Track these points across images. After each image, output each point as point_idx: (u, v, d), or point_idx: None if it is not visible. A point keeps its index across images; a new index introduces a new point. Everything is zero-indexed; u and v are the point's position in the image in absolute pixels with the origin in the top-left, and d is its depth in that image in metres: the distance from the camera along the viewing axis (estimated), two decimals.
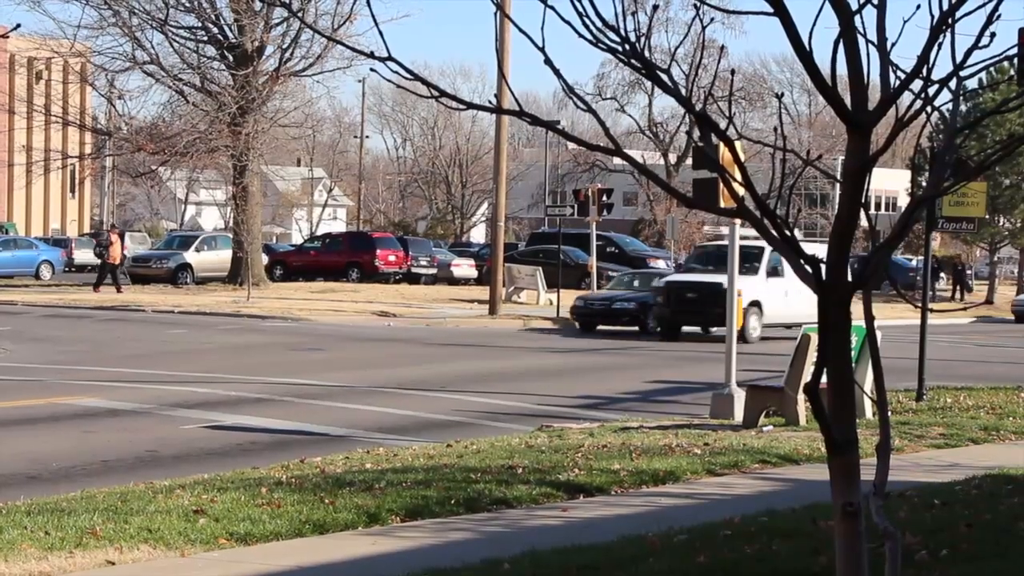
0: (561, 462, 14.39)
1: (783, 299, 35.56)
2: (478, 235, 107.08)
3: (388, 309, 43.82)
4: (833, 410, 5.73)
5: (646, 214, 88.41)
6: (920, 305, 24.71)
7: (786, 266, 29.66)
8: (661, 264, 56.92)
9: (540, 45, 5.64)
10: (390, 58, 5.73)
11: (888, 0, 5.47)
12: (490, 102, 6.53)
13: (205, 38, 52.32)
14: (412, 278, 60.10)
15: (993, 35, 5.46)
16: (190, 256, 57.80)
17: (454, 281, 61.33)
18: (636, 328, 38.35)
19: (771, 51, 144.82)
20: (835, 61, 5.43)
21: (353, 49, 7.11)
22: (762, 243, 31.08)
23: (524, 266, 50.97)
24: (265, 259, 57.42)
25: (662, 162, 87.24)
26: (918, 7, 5.48)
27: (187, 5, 51.31)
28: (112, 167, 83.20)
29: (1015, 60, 18.85)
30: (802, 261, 5.63)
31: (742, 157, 5.91)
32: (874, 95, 5.50)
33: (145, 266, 58.27)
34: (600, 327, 38.84)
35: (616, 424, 18.78)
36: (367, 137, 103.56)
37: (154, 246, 68.61)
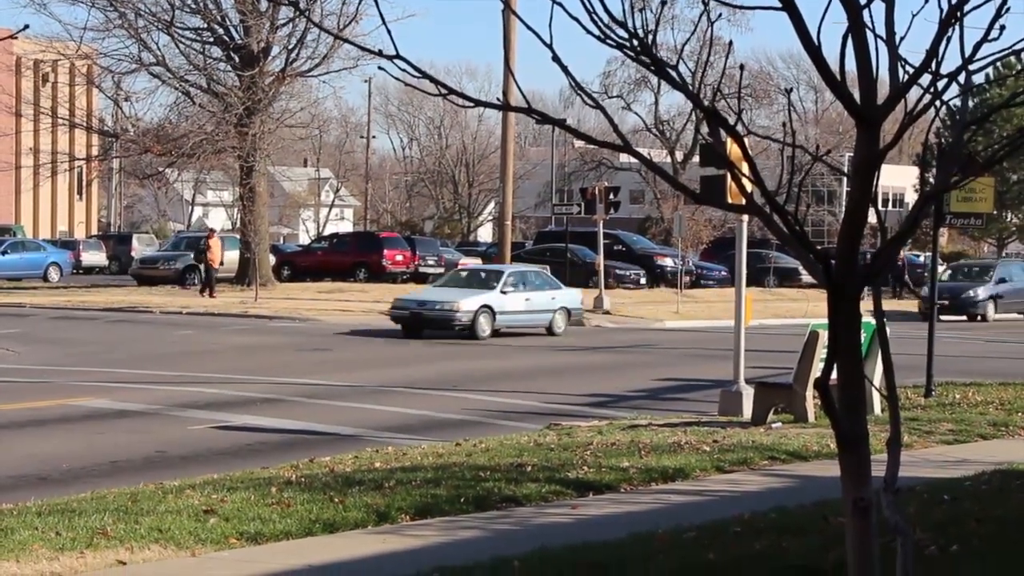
0: (570, 460, 14.40)
1: None
2: (485, 234, 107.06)
3: None
4: (843, 406, 5.73)
5: (653, 212, 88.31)
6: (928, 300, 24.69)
7: None
8: (669, 261, 56.91)
9: (548, 42, 5.64)
10: (398, 56, 5.73)
11: None
12: (497, 100, 6.54)
13: (211, 39, 52.34)
14: (419, 278, 60.04)
15: (1003, 28, 5.46)
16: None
17: None
18: None
19: (777, 48, 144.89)
20: (844, 56, 5.43)
21: (361, 48, 7.09)
22: None
23: (531, 265, 50.94)
24: (272, 260, 57.40)
25: (668, 160, 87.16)
26: (927, 1, 5.48)
27: (193, 6, 51.33)
28: (119, 169, 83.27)
29: (1023, 54, 18.82)
30: (812, 257, 5.63)
31: (750, 153, 5.91)
32: (882, 90, 5.50)
33: (152, 268, 58.27)
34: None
35: (625, 422, 18.78)
36: (373, 137, 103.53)
37: (161, 247, 68.65)
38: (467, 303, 34.31)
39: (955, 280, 49.45)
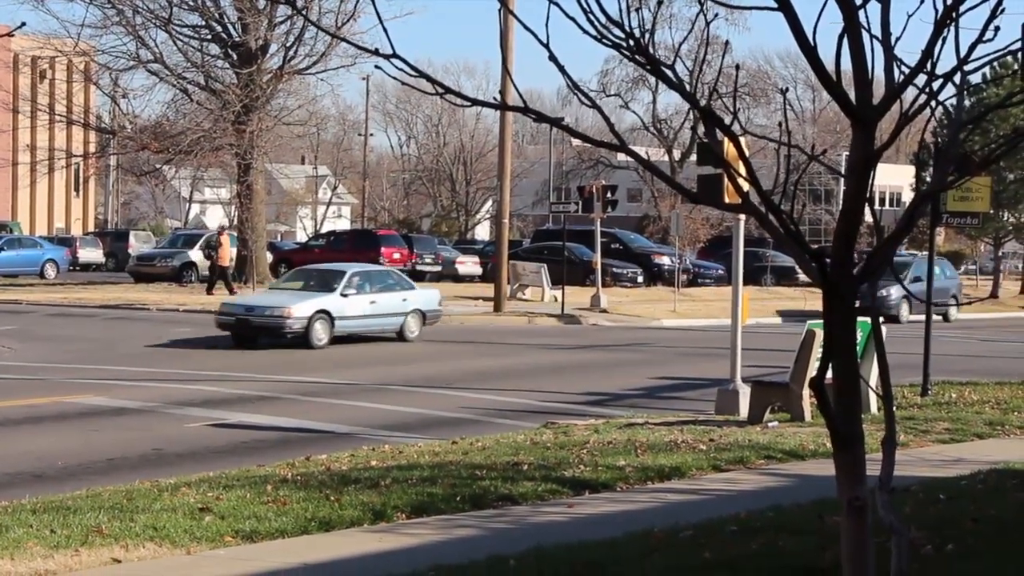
0: (566, 458, 14.40)
1: None
2: (482, 232, 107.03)
3: None
4: (839, 405, 5.73)
5: (650, 210, 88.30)
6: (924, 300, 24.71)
7: None
8: (666, 260, 56.92)
9: (544, 41, 5.64)
10: (395, 55, 5.73)
11: None
12: (494, 99, 6.53)
13: (209, 36, 52.31)
14: (417, 276, 60.03)
15: (997, 29, 5.47)
16: (194, 255, 57.80)
17: (459, 278, 61.27)
18: None
19: (774, 47, 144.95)
20: (839, 56, 5.43)
21: (358, 46, 7.12)
22: None
23: (529, 263, 50.94)
24: (270, 257, 57.38)
25: (666, 159, 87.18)
26: (922, 1, 5.49)
27: (191, 4, 51.31)
28: (116, 166, 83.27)
29: (1019, 54, 18.87)
30: (807, 256, 5.63)
31: (746, 153, 5.91)
32: (878, 90, 5.50)
33: (149, 265, 58.23)
34: None
35: (621, 420, 18.78)
36: (371, 135, 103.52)
37: (158, 245, 68.61)
38: (300, 308, 30.88)
39: None
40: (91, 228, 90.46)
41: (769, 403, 18.57)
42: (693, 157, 63.71)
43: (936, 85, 5.53)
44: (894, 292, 44.48)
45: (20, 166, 60.78)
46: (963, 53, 5.48)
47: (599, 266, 46.66)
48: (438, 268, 62.41)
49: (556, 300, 44.57)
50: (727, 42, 6.60)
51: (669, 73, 5.72)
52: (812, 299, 46.78)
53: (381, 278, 34.36)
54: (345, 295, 32.00)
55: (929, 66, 5.48)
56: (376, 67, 6.02)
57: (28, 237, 69.83)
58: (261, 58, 51.36)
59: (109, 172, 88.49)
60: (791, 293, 54.70)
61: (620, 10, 5.65)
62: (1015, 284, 70.02)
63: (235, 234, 55.34)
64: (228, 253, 49.26)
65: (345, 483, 12.74)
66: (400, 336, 33.01)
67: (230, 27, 52.00)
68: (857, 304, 5.58)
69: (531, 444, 15.79)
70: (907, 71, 5.51)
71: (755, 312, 39.47)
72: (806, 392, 18.10)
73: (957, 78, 5.62)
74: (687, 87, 5.78)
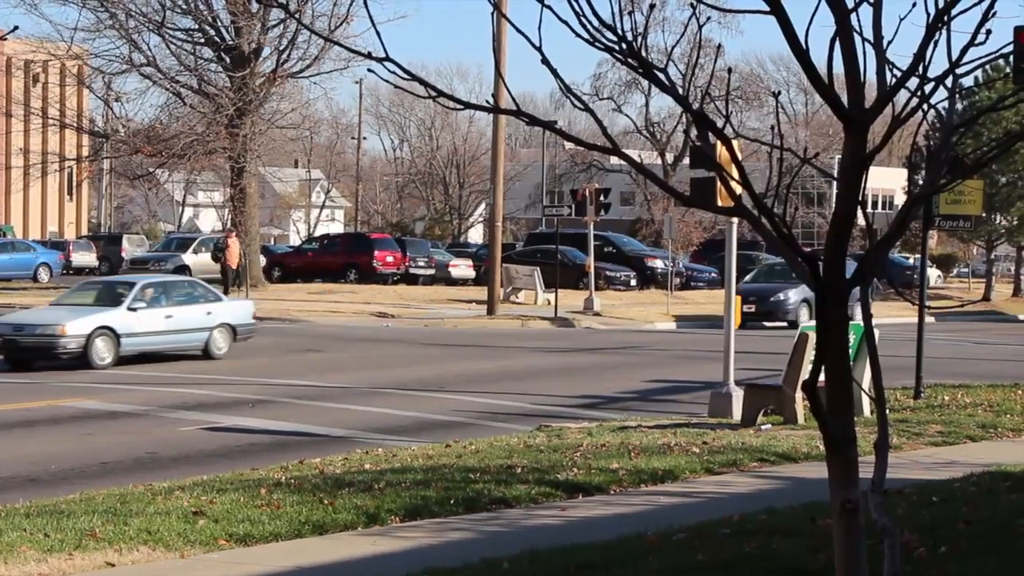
0: (560, 461, 14.41)
1: None
2: (476, 235, 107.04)
3: (386, 310, 43.82)
4: (831, 408, 5.74)
5: (643, 214, 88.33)
6: (917, 303, 24.75)
7: None
8: (659, 263, 56.94)
9: (537, 44, 5.65)
10: (387, 58, 5.74)
11: None
12: (487, 102, 6.54)
13: (202, 40, 52.30)
14: (410, 279, 60.10)
15: (989, 32, 5.47)
16: (188, 258, 57.75)
17: (452, 282, 61.32)
18: None
19: (767, 50, 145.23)
20: (831, 59, 5.44)
21: (351, 50, 7.19)
22: None
23: (522, 266, 50.96)
24: (263, 261, 57.36)
25: (659, 162, 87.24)
26: (914, 5, 5.49)
27: (184, 7, 51.29)
28: (110, 169, 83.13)
29: (1011, 58, 18.90)
30: (800, 259, 5.64)
31: (739, 156, 5.92)
32: (870, 93, 5.51)
33: (143, 268, 58.18)
34: None
35: (614, 423, 18.79)
36: (364, 138, 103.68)
37: (152, 248, 68.56)
38: (76, 325, 27.33)
39: (762, 281, 42.63)
40: (84, 232, 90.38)
41: (762, 406, 18.59)
42: (686, 160, 63.80)
43: (928, 88, 5.54)
44: (792, 296, 41.00)
45: (13, 170, 60.71)
46: (955, 56, 5.49)
47: (592, 269, 46.66)
48: (431, 271, 62.45)
49: (549, 303, 44.60)
50: (719, 45, 6.62)
51: (662, 76, 5.73)
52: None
53: (180, 290, 30.98)
54: (133, 309, 28.53)
55: (921, 69, 5.49)
56: (369, 70, 6.04)
57: (21, 241, 69.76)
58: (254, 61, 51.34)
59: (102, 176, 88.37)
60: None
61: (612, 13, 5.66)
62: (1007, 287, 70.11)
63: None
64: (236, 255, 49.14)
65: (339, 486, 12.74)
66: (206, 353, 29.52)
67: (223, 31, 51.99)
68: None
69: (524, 447, 15.80)
70: (899, 74, 5.53)
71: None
72: (799, 395, 18.11)
73: (949, 81, 5.63)
74: (680, 90, 5.78)
